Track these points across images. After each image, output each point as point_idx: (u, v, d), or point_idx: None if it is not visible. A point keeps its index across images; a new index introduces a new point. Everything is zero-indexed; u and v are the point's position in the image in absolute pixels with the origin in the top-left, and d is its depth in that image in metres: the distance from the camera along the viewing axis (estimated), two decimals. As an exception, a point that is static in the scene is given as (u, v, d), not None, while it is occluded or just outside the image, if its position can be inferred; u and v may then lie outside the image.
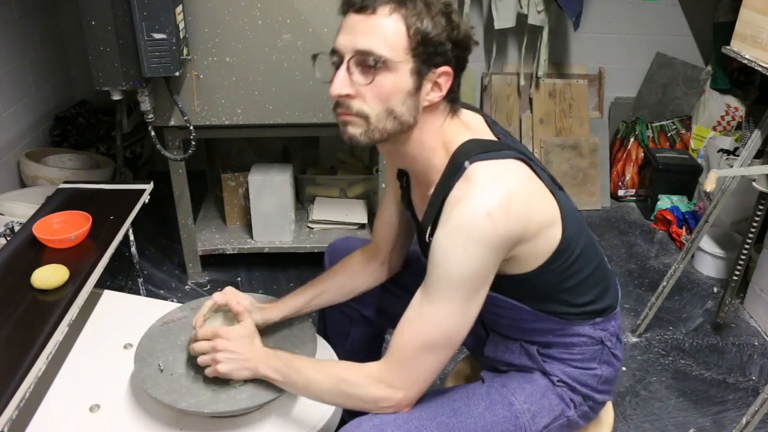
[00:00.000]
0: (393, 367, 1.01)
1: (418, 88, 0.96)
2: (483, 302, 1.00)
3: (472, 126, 1.05)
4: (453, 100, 1.02)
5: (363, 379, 1.03)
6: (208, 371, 1.13)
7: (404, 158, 1.07)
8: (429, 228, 1.03)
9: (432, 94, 0.98)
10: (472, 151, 0.99)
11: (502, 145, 1.03)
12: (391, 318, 1.42)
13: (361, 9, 0.94)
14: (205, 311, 1.22)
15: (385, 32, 0.93)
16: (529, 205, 0.97)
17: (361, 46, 0.93)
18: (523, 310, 1.10)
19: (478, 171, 0.96)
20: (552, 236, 1.02)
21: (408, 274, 1.39)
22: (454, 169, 0.99)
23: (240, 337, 1.15)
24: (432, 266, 0.97)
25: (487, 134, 1.06)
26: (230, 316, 1.23)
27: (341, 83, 0.97)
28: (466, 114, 1.08)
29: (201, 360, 1.13)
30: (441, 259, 0.95)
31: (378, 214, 1.35)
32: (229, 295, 1.23)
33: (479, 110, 1.13)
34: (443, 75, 0.97)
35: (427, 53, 0.94)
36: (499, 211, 0.92)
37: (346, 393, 1.05)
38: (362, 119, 0.97)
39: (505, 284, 1.05)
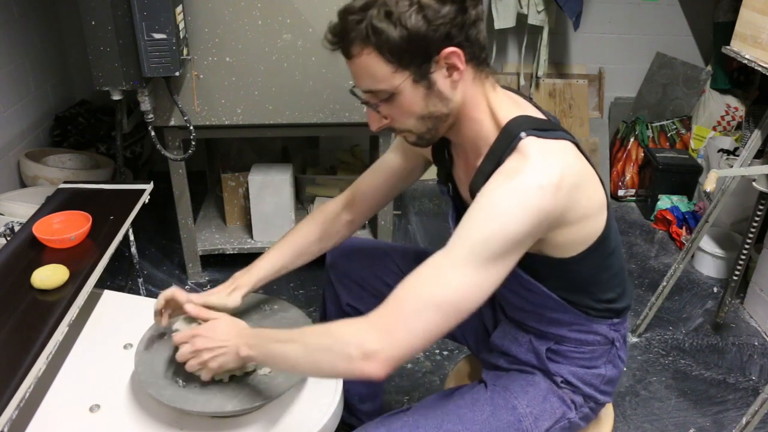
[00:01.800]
0: (388, 317, 0.91)
1: (430, 86, 0.96)
2: (504, 275, 0.94)
3: (520, 103, 1.05)
4: (482, 64, 0.99)
5: (345, 322, 0.95)
6: (202, 376, 1.11)
7: (460, 136, 1.07)
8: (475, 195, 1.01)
9: (453, 75, 0.97)
10: (525, 125, 0.98)
11: (555, 126, 1.02)
12: None
13: (345, 55, 0.98)
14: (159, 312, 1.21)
15: (369, 70, 0.96)
16: (578, 189, 0.96)
17: (363, 87, 0.99)
18: (550, 298, 1.09)
19: (532, 146, 0.94)
20: (596, 224, 1.02)
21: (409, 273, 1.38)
22: (507, 140, 0.97)
23: (214, 327, 1.11)
24: (467, 220, 0.93)
25: (537, 113, 1.05)
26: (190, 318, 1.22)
27: (372, 121, 1.04)
28: (511, 93, 1.08)
29: (189, 367, 1.10)
30: (480, 212, 0.92)
31: (367, 174, 1.32)
32: (175, 296, 1.20)
33: (527, 96, 1.12)
34: (448, 56, 0.94)
35: (415, 57, 0.94)
36: (551, 187, 0.91)
37: (322, 344, 0.95)
38: (407, 132, 1.03)
39: (541, 267, 1.04)
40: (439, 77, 0.96)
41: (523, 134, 0.96)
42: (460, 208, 1.17)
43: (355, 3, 0.95)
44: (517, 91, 1.12)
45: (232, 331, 1.09)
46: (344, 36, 0.96)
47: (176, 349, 1.22)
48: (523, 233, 0.92)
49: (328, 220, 1.33)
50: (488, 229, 0.91)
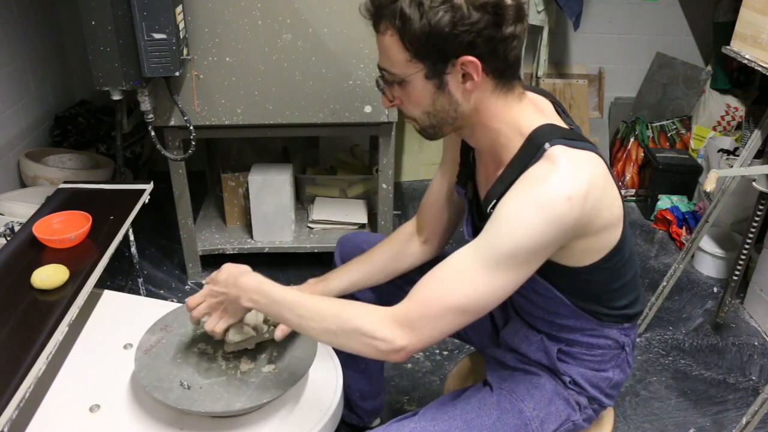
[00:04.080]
0: (415, 319, 0.96)
1: (440, 86, 0.96)
2: (524, 279, 0.96)
3: (546, 112, 1.04)
4: (507, 80, 0.98)
5: (372, 316, 0.99)
6: (218, 326, 1.13)
7: (475, 140, 1.08)
8: (494, 202, 1.00)
9: (467, 83, 0.96)
10: (551, 135, 0.97)
11: (580, 136, 1.01)
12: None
13: (374, 28, 0.98)
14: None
15: (389, 51, 0.96)
16: (603, 199, 0.96)
17: (381, 64, 1.00)
18: (563, 305, 1.09)
19: (560, 154, 0.94)
20: (613, 235, 1.02)
21: (417, 267, 1.38)
22: (533, 149, 0.97)
23: (225, 278, 1.12)
24: (491, 228, 0.94)
25: (561, 123, 1.05)
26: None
27: (383, 99, 1.05)
28: (537, 99, 1.07)
29: (208, 326, 1.14)
30: (506, 222, 0.93)
31: (427, 192, 1.33)
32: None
33: (550, 95, 1.11)
34: (466, 64, 0.93)
35: (431, 53, 0.93)
36: (579, 198, 0.91)
37: (344, 326, 1.00)
38: (413, 120, 1.04)
39: (556, 274, 1.04)
40: (453, 80, 0.96)
41: (547, 144, 0.95)
42: (475, 212, 1.18)
43: None
44: (546, 93, 1.11)
45: (230, 279, 1.11)
46: (377, 10, 0.95)
47: (178, 350, 1.23)
48: (547, 243, 0.93)
49: (402, 241, 1.34)
50: (513, 238, 0.92)
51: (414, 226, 1.34)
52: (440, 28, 0.90)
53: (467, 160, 1.18)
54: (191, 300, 1.16)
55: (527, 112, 1.01)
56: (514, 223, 0.92)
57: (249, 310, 1.14)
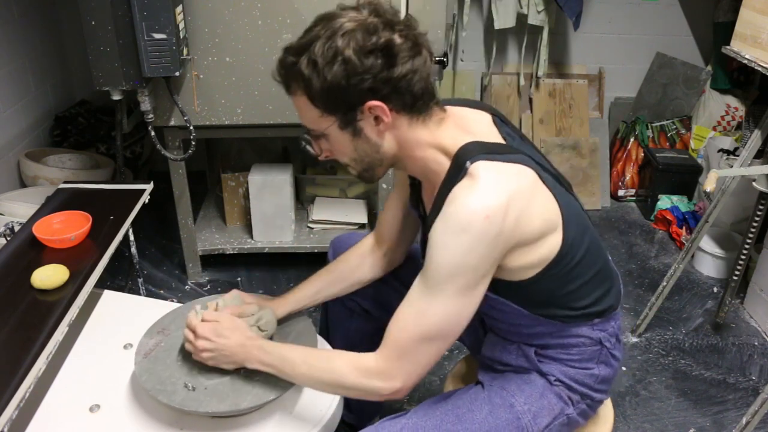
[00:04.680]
0: (390, 358, 1.02)
1: (356, 133, 1.00)
2: (480, 299, 1.00)
3: (472, 129, 1.05)
4: (419, 111, 1.00)
5: (361, 372, 1.05)
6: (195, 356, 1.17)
7: (410, 171, 1.11)
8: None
9: (380, 125, 0.99)
10: (474, 151, 0.99)
11: (508, 148, 1.03)
12: (391, 313, 1.43)
13: (286, 91, 1.02)
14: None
15: (302, 110, 1.01)
16: (529, 210, 0.97)
17: (302, 122, 1.04)
18: (522, 315, 1.10)
19: (481, 169, 0.96)
20: (552, 243, 1.02)
21: (410, 269, 1.39)
22: (457, 169, 0.99)
23: (217, 333, 1.15)
24: (429, 260, 0.98)
25: (493, 135, 1.06)
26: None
27: (313, 151, 1.08)
28: (467, 115, 1.08)
29: (195, 356, 1.17)
30: (439, 253, 0.96)
31: (385, 206, 1.36)
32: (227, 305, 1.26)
33: (489, 107, 1.12)
34: (373, 108, 0.97)
35: (339, 106, 0.97)
36: (498, 213, 0.93)
37: (344, 386, 1.07)
38: (348, 166, 1.08)
39: (507, 290, 1.06)
40: (366, 125, 0.99)
41: (468, 162, 0.97)
42: (426, 231, 1.18)
43: (297, 42, 0.98)
44: (482, 105, 1.13)
45: (233, 341, 1.15)
46: (284, 73, 1.00)
47: (177, 352, 1.23)
48: (482, 261, 0.96)
49: (362, 254, 1.36)
50: (447, 265, 0.96)
51: (373, 240, 1.37)
52: (337, 82, 0.94)
53: (414, 181, 1.21)
54: (193, 329, 1.16)
55: (450, 134, 1.03)
56: (443, 250, 0.96)
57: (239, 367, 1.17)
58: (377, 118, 0.98)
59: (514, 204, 0.94)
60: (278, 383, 1.15)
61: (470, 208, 0.93)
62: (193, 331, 1.15)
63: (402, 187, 1.28)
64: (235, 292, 1.31)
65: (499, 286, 1.05)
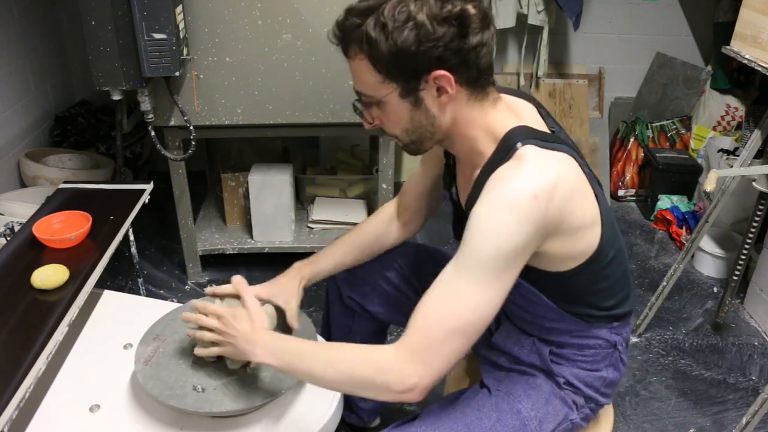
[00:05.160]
0: (411, 350, 0.94)
1: (416, 103, 0.97)
2: (512, 283, 0.96)
3: (521, 114, 1.04)
4: (481, 87, 0.99)
5: (374, 366, 0.97)
6: (200, 351, 1.15)
7: (455, 149, 1.09)
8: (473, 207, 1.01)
9: (442, 96, 0.97)
10: (524, 135, 0.98)
11: (556, 138, 1.02)
12: (393, 312, 1.43)
13: (344, 54, 0.99)
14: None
15: (361, 74, 0.98)
16: (573, 199, 0.96)
17: (356, 88, 1.02)
18: (549, 308, 1.09)
19: (529, 153, 0.94)
20: (591, 237, 1.02)
21: (411, 269, 1.39)
22: (505, 150, 0.98)
23: (241, 317, 1.13)
24: (468, 239, 0.94)
25: (540, 124, 1.05)
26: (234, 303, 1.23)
27: (364, 120, 1.05)
28: (517, 102, 1.07)
29: (209, 336, 1.13)
30: (479, 230, 0.93)
31: (411, 176, 1.36)
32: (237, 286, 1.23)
33: (533, 99, 1.12)
34: (438, 78, 0.94)
35: (403, 73, 0.94)
36: (545, 195, 0.91)
37: (354, 379, 0.98)
38: (396, 138, 1.05)
39: (540, 280, 1.04)
40: (428, 96, 0.97)
41: (519, 144, 0.96)
42: (458, 215, 1.19)
43: (361, 4, 0.95)
44: (527, 96, 1.11)
45: (249, 330, 1.11)
46: (344, 36, 0.97)
47: (178, 356, 1.22)
48: (523, 243, 0.93)
49: (383, 223, 1.37)
50: (489, 246, 0.92)
51: (395, 208, 1.37)
52: (407, 47, 0.91)
53: (448, 163, 1.20)
54: (204, 320, 1.13)
55: (502, 116, 1.02)
56: (486, 230, 0.92)
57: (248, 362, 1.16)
58: (440, 89, 0.96)
59: (561, 189, 0.93)
60: (287, 376, 1.16)
61: (518, 187, 0.91)
62: (215, 316, 1.13)
63: (431, 163, 1.28)
64: (237, 278, 1.26)
65: (533, 276, 1.03)
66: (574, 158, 0.99)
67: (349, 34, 0.95)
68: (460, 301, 0.93)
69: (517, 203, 0.90)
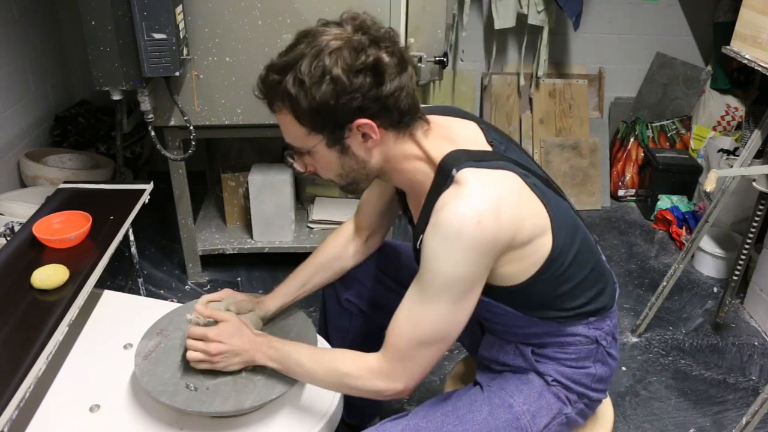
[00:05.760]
0: (391, 361, 1.04)
1: (343, 150, 1.00)
2: (475, 303, 1.01)
3: (456, 138, 1.05)
4: (406, 125, 1.00)
5: (364, 373, 1.06)
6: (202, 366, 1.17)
7: (395, 182, 1.13)
8: (420, 236, 1.03)
9: (368, 142, 0.99)
10: (459, 159, 1.00)
11: (492, 155, 1.03)
12: (388, 313, 1.43)
13: (269, 108, 1.02)
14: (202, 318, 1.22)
15: (287, 129, 1.01)
16: (519, 212, 0.97)
17: (286, 140, 1.05)
18: (517, 317, 1.10)
19: (468, 176, 0.96)
20: (542, 246, 1.02)
21: (405, 270, 1.39)
22: (444, 177, 1.00)
23: (229, 333, 1.15)
24: (423, 268, 0.99)
25: (480, 141, 1.06)
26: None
27: (297, 168, 1.08)
28: (452, 125, 1.08)
29: (196, 365, 1.16)
30: (432, 261, 0.96)
31: (363, 199, 1.36)
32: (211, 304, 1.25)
33: (472, 116, 1.13)
34: (361, 126, 0.96)
35: (327, 124, 0.96)
36: (490, 218, 0.93)
37: (348, 385, 1.08)
38: (332, 181, 1.08)
39: (500, 294, 1.06)
40: (354, 142, 0.99)
41: (454, 170, 0.98)
42: (415, 239, 1.18)
43: (280, 60, 0.97)
44: (463, 113, 1.13)
45: (244, 339, 1.16)
46: (267, 92, 1.00)
47: (178, 353, 1.23)
48: (476, 268, 0.97)
49: (342, 244, 1.38)
50: (441, 274, 0.96)
51: (353, 227, 1.38)
52: (326, 101, 0.93)
53: (399, 190, 1.21)
54: (202, 337, 1.16)
55: (436, 144, 1.03)
56: (437, 260, 0.96)
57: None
58: (365, 135, 0.98)
59: (504, 208, 0.95)
60: (280, 382, 1.15)
61: (461, 215, 0.93)
62: (203, 338, 1.15)
63: (383, 185, 1.29)
64: (227, 292, 1.30)
65: (492, 290, 1.05)
66: (514, 171, 1.00)
67: (271, 91, 0.98)
68: (421, 322, 1.00)
69: (462, 232, 0.93)
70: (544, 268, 1.03)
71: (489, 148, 1.05)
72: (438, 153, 1.02)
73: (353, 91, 0.93)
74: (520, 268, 1.03)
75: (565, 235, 1.05)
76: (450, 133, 1.06)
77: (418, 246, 1.04)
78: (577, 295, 1.10)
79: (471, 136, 1.07)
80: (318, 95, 0.92)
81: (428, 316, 1.00)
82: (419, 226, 1.06)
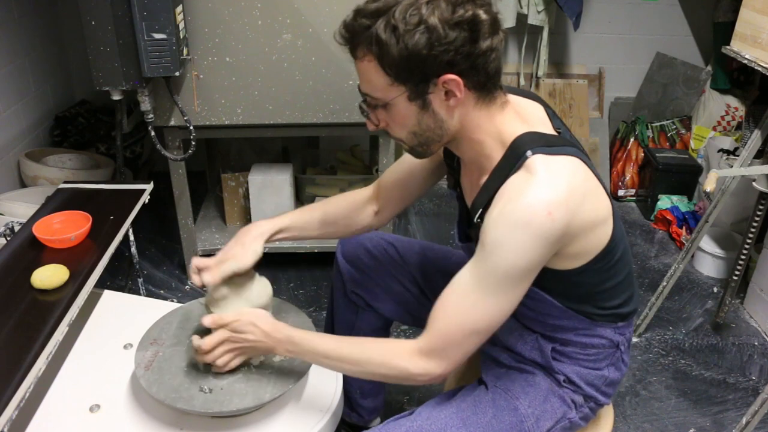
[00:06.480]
0: (436, 346, 1.01)
1: (424, 106, 0.97)
2: (525, 292, 1.00)
3: (529, 118, 1.04)
4: (489, 91, 0.98)
5: (402, 358, 1.03)
6: (231, 364, 1.16)
7: (461, 152, 1.09)
8: (480, 210, 1.02)
9: (451, 100, 0.96)
10: (533, 143, 0.98)
11: (563, 141, 1.02)
12: (399, 312, 1.43)
13: (351, 54, 0.98)
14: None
15: (368, 76, 0.97)
16: (585, 202, 0.96)
17: (362, 89, 1.01)
18: (554, 306, 1.09)
19: (539, 163, 0.95)
20: (602, 234, 1.02)
21: (422, 270, 1.39)
22: (514, 158, 0.98)
23: (240, 328, 1.13)
24: (486, 254, 0.96)
25: (547, 126, 1.05)
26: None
27: (368, 122, 1.05)
28: (523, 104, 1.07)
29: (220, 362, 1.14)
30: (496, 249, 0.94)
31: (391, 170, 1.33)
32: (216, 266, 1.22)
33: (540, 99, 1.11)
34: (448, 82, 0.94)
35: (412, 76, 0.94)
36: (560, 208, 0.91)
37: (383, 374, 1.06)
38: (401, 140, 1.05)
39: (547, 278, 1.04)
40: (436, 99, 0.96)
41: (529, 152, 0.96)
42: (464, 215, 1.18)
43: (370, 5, 0.94)
44: (534, 96, 1.11)
45: (261, 331, 1.12)
46: (352, 37, 0.96)
47: (180, 359, 1.22)
48: (539, 257, 0.95)
49: (357, 206, 1.35)
50: (505, 262, 0.95)
51: (370, 195, 1.35)
52: (418, 51, 0.90)
53: (452, 165, 1.19)
54: (205, 344, 1.13)
55: (509, 121, 1.02)
56: (502, 248, 0.94)
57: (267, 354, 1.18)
58: (448, 93, 0.95)
59: (573, 198, 0.93)
60: (292, 370, 1.16)
61: (531, 206, 0.91)
62: (219, 342, 1.14)
63: (427, 162, 1.26)
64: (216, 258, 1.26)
65: (542, 275, 1.03)
66: (581, 158, 0.99)
67: (357, 36, 0.95)
68: (476, 310, 0.98)
69: (532, 221, 0.91)
70: (599, 257, 1.03)
71: (555, 133, 1.04)
72: (511, 131, 1.00)
73: (447, 44, 0.90)
74: (577, 253, 1.01)
75: (619, 228, 1.05)
76: (523, 112, 1.05)
77: (476, 220, 1.02)
78: (615, 295, 1.11)
79: (540, 120, 1.06)
80: (410, 43, 0.89)
81: (484, 304, 0.98)
82: (478, 202, 1.03)
